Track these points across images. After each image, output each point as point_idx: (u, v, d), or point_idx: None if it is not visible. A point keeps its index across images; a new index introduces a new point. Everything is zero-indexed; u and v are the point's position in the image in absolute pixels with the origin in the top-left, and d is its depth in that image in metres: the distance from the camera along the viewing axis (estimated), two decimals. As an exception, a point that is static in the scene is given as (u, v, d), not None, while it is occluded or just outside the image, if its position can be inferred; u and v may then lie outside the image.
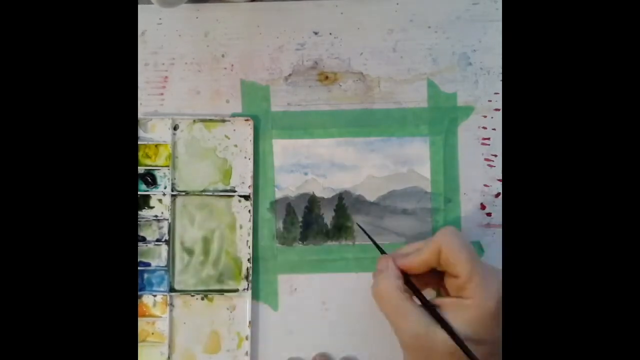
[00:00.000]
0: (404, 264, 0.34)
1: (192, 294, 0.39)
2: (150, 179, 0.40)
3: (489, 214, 0.40)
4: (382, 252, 0.36)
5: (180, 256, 0.40)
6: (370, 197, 0.40)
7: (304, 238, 0.40)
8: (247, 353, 0.39)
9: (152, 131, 0.40)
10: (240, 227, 0.40)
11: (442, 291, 0.36)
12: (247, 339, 0.39)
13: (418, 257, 0.33)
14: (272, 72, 0.41)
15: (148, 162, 0.40)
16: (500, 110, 0.40)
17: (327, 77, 0.41)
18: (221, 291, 0.39)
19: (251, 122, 0.40)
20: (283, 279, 0.40)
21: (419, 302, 0.33)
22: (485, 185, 0.40)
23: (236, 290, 0.39)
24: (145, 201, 0.40)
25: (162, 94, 0.41)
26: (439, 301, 0.33)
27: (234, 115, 0.41)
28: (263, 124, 0.41)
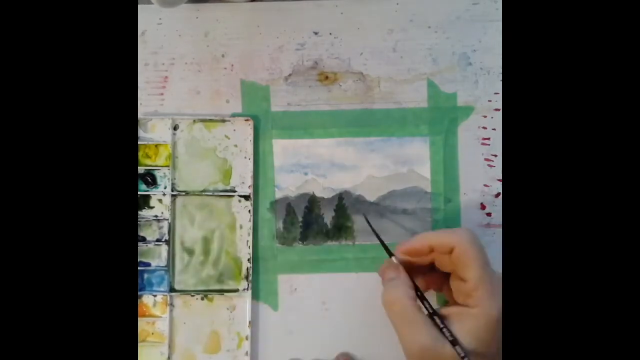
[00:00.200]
0: (406, 248, 0.33)
1: (192, 294, 0.39)
2: (150, 179, 0.40)
3: (489, 214, 0.40)
4: (389, 252, 0.35)
5: (180, 256, 0.40)
6: (370, 197, 0.40)
7: (304, 238, 0.40)
8: (247, 353, 0.39)
9: (152, 131, 0.40)
10: (240, 227, 0.40)
11: (445, 293, 0.36)
12: (247, 339, 0.39)
13: (424, 239, 0.33)
14: (272, 72, 0.41)
15: (148, 162, 0.40)
16: (500, 110, 0.40)
17: (327, 77, 0.41)
18: (221, 291, 0.39)
19: (251, 122, 0.40)
20: (283, 279, 0.40)
21: (425, 311, 0.33)
22: (485, 185, 0.40)
23: (236, 290, 0.39)
24: (145, 201, 0.40)
25: (162, 94, 0.41)
26: (445, 311, 0.33)
27: (234, 115, 0.41)
28: (263, 124, 0.41)
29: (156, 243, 0.40)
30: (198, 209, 0.40)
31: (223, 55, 0.41)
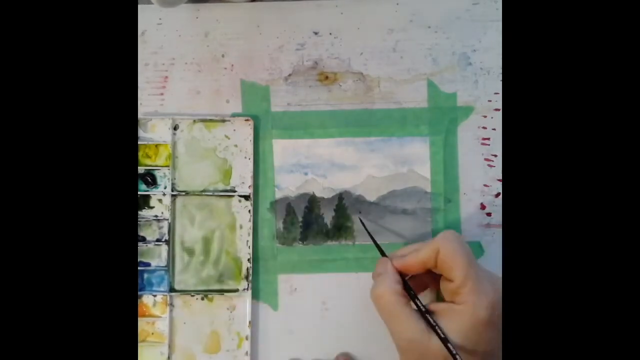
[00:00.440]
0: (401, 264, 0.34)
1: (192, 294, 0.39)
2: (150, 179, 0.40)
3: (489, 214, 0.40)
4: (382, 252, 0.36)
5: (180, 256, 0.40)
6: (370, 197, 0.40)
7: (304, 238, 0.40)
8: (247, 353, 0.39)
9: (152, 131, 0.40)
10: (240, 227, 0.40)
11: (440, 293, 0.36)
12: (247, 339, 0.39)
13: (415, 257, 0.33)
14: (272, 72, 0.41)
15: (148, 162, 0.40)
16: (500, 110, 0.40)
17: (327, 77, 0.41)
18: (221, 291, 0.39)
19: (251, 122, 0.40)
20: (283, 279, 0.40)
21: (415, 307, 0.33)
22: (485, 185, 0.40)
23: (236, 290, 0.39)
24: (145, 201, 0.40)
25: (162, 94, 0.41)
26: (434, 307, 0.33)
27: (234, 115, 0.41)
28: (263, 124, 0.41)
29: (156, 243, 0.40)
30: (198, 209, 0.40)
31: (223, 55, 0.41)
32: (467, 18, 0.41)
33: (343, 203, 0.40)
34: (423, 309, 0.33)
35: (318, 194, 0.40)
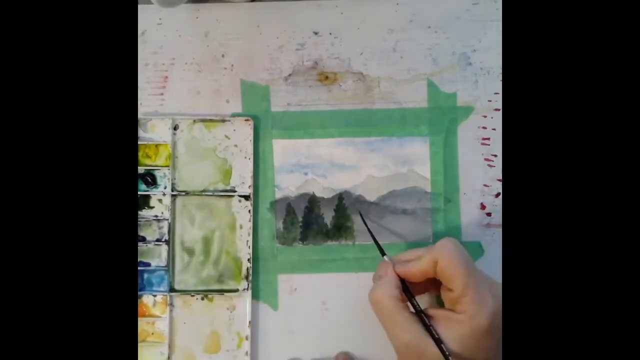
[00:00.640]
0: (403, 271, 0.34)
1: (192, 294, 0.39)
2: (150, 179, 0.40)
3: (489, 214, 0.40)
4: (382, 251, 0.36)
5: (180, 256, 0.40)
6: (370, 197, 0.40)
7: (304, 238, 0.40)
8: (247, 353, 0.39)
9: (152, 131, 0.40)
10: (240, 227, 0.40)
11: (440, 297, 0.36)
12: (247, 339, 0.39)
13: (416, 266, 0.33)
14: (272, 72, 0.41)
15: (148, 162, 0.40)
16: (500, 110, 0.40)
17: (327, 77, 0.41)
18: (221, 291, 0.39)
19: (251, 122, 0.40)
20: (283, 279, 0.40)
21: (413, 310, 0.33)
22: (485, 185, 0.40)
23: (236, 290, 0.39)
24: (145, 201, 0.40)
25: (162, 94, 0.41)
26: (433, 312, 0.33)
27: (234, 115, 0.41)
28: (263, 124, 0.41)
29: (156, 243, 0.40)
30: (198, 209, 0.40)
31: (223, 55, 0.41)
32: (467, 18, 0.41)
33: (343, 203, 0.40)
34: (420, 312, 0.33)
35: (318, 194, 0.40)
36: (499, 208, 0.40)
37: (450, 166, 0.40)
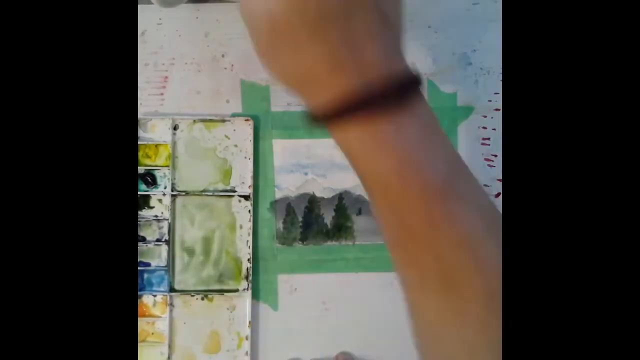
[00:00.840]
0: None
1: (192, 294, 0.39)
2: (150, 179, 0.40)
3: (489, 214, 0.40)
4: None
5: (180, 256, 0.40)
6: (370, 197, 0.40)
7: (304, 238, 0.40)
8: (247, 353, 0.39)
9: (152, 131, 0.40)
10: (240, 227, 0.40)
11: None
12: (247, 339, 0.39)
13: None
14: (272, 72, 0.41)
15: (148, 162, 0.40)
16: (500, 110, 0.40)
17: (327, 77, 0.41)
18: (221, 291, 0.39)
19: (251, 122, 0.40)
20: (283, 279, 0.40)
21: None
22: (485, 185, 0.40)
23: (236, 290, 0.39)
24: (145, 201, 0.40)
25: (162, 94, 0.41)
26: None
27: (234, 115, 0.41)
28: (263, 124, 0.41)
29: (156, 243, 0.40)
30: (198, 209, 0.40)
31: (223, 55, 0.41)
32: (467, 18, 0.41)
33: (343, 203, 0.40)
34: None
35: (318, 194, 0.40)
36: (499, 208, 0.40)
37: (450, 166, 0.40)
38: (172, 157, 0.40)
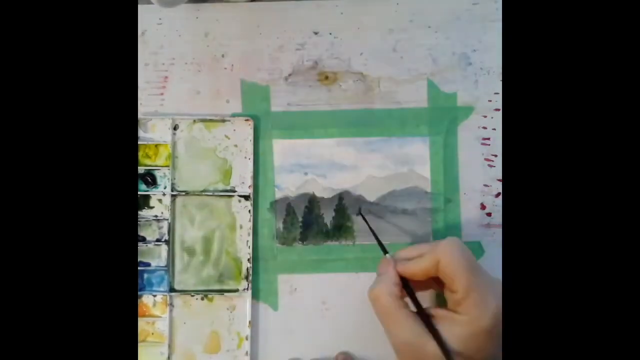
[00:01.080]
0: (404, 270, 0.34)
1: (192, 294, 0.39)
2: (150, 179, 0.40)
3: (489, 214, 0.40)
4: (384, 249, 0.36)
5: (180, 256, 0.40)
6: (370, 197, 0.40)
7: (304, 238, 0.40)
8: (247, 353, 0.39)
9: (152, 131, 0.40)
10: (240, 227, 0.40)
11: (444, 295, 0.36)
12: (247, 339, 0.39)
13: (418, 265, 0.33)
14: (272, 72, 0.41)
15: (148, 162, 0.40)
16: (500, 110, 0.40)
17: (327, 77, 0.41)
18: (221, 291, 0.39)
19: (251, 122, 0.40)
20: (283, 279, 0.40)
21: (413, 308, 0.33)
22: (485, 185, 0.40)
23: (236, 290, 0.39)
24: (145, 201, 0.40)
25: (162, 94, 0.41)
26: (434, 311, 0.33)
27: (234, 115, 0.41)
28: (263, 124, 0.41)
29: (156, 243, 0.40)
30: (198, 209, 0.40)
31: (223, 55, 0.41)
32: (467, 18, 0.41)
33: (343, 203, 0.40)
34: (421, 310, 0.33)
35: (318, 194, 0.40)
36: (499, 208, 0.40)
37: (450, 166, 0.40)
38: (172, 157, 0.40)
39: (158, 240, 0.40)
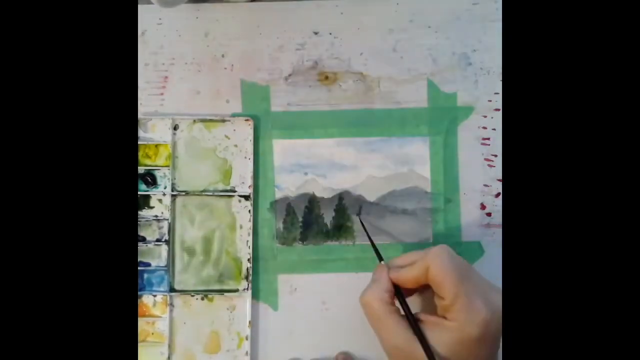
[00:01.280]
0: (396, 277, 0.34)
1: (192, 294, 0.39)
2: (150, 179, 0.40)
3: (489, 214, 0.40)
4: (379, 256, 0.36)
5: (180, 256, 0.40)
6: (370, 197, 0.40)
7: (304, 238, 0.40)
8: (247, 353, 0.39)
9: (152, 131, 0.40)
10: (240, 227, 0.40)
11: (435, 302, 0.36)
12: (247, 339, 0.39)
13: (409, 273, 0.33)
14: (272, 72, 0.41)
15: (148, 162, 0.40)
16: (500, 110, 0.40)
17: (327, 77, 0.41)
18: (221, 291, 0.39)
19: (251, 122, 0.40)
20: (283, 279, 0.40)
21: (403, 313, 0.33)
22: (485, 185, 0.40)
23: (236, 290, 0.39)
24: (145, 201, 0.40)
25: (162, 94, 0.41)
26: (423, 317, 0.33)
27: (234, 115, 0.41)
28: (263, 124, 0.41)
29: (156, 243, 0.40)
30: (198, 209, 0.40)
31: (223, 55, 0.41)
32: (467, 18, 0.41)
33: (343, 203, 0.40)
34: (410, 316, 0.33)
35: (318, 194, 0.40)
36: (499, 208, 0.40)
37: (450, 166, 0.40)
38: (172, 157, 0.40)
39: (158, 240, 0.40)
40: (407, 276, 0.33)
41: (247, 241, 0.40)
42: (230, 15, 0.41)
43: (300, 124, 0.40)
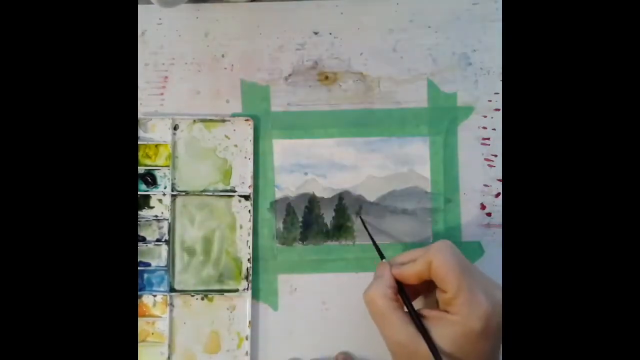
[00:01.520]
0: (399, 273, 0.34)
1: (192, 294, 0.39)
2: (150, 179, 0.40)
3: (489, 214, 0.40)
4: (381, 255, 0.36)
5: (180, 256, 0.40)
6: (370, 197, 0.40)
7: (304, 238, 0.40)
8: (247, 353, 0.39)
9: (152, 131, 0.40)
10: (240, 227, 0.40)
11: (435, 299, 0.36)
12: (247, 339, 0.39)
13: (412, 268, 0.33)
14: (272, 72, 0.41)
15: (148, 162, 0.40)
16: (500, 110, 0.40)
17: (327, 77, 0.41)
18: (221, 291, 0.39)
19: (251, 122, 0.40)
20: (283, 279, 0.40)
21: (407, 310, 0.33)
22: (485, 185, 0.40)
23: (236, 290, 0.39)
24: (145, 201, 0.40)
25: (162, 94, 0.41)
26: (426, 312, 0.33)
27: (234, 115, 0.41)
28: (263, 124, 0.41)
29: (156, 243, 0.40)
30: (198, 209, 0.40)
31: (223, 55, 0.41)
32: (467, 18, 0.41)
33: (343, 203, 0.40)
34: (413, 313, 0.33)
35: (318, 194, 0.40)
36: (499, 208, 0.40)
37: (450, 166, 0.40)
38: (172, 157, 0.40)
39: (158, 240, 0.40)
40: (410, 272, 0.34)
41: (247, 241, 0.40)
42: (230, 15, 0.41)
43: (300, 124, 0.40)
